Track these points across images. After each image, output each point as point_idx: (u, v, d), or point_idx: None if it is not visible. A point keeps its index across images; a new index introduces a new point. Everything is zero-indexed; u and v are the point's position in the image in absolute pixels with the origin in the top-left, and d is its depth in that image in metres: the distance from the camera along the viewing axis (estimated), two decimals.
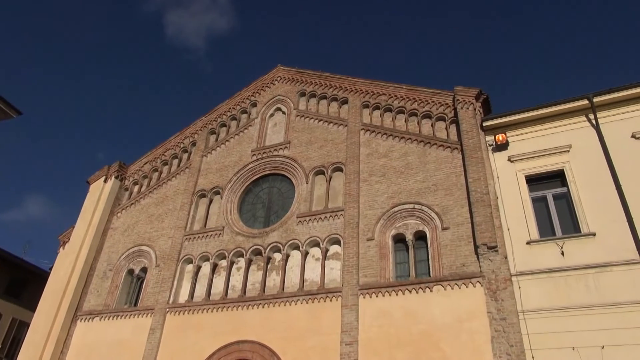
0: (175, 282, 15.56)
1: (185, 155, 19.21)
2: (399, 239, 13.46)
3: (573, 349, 9.93)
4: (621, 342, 9.60)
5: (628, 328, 9.67)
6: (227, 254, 15.34)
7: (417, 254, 13.04)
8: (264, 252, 14.75)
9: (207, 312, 14.40)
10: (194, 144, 19.19)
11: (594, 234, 10.97)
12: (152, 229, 17.52)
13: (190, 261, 15.94)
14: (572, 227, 11.50)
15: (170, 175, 18.76)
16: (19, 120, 15.43)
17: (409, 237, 13.16)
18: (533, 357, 10.18)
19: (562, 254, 11.04)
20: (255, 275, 14.66)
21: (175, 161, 19.27)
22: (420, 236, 13.17)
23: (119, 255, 17.36)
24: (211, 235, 16.05)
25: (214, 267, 15.43)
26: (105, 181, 19.19)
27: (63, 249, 18.25)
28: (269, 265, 14.65)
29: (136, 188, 19.33)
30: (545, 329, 10.33)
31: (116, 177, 19.28)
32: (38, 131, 68.30)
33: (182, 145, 19.42)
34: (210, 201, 17.18)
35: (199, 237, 16.26)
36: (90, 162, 72.67)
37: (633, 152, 11.61)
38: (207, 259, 15.62)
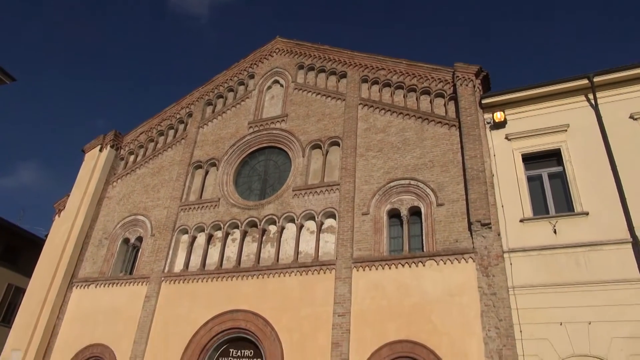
0: (171, 252, 15.67)
1: (181, 126, 19.08)
2: (394, 214, 13.56)
3: (560, 324, 10.16)
4: (607, 319, 9.83)
5: (615, 305, 9.88)
6: (222, 225, 15.42)
7: (411, 229, 13.16)
8: (259, 224, 14.83)
9: (202, 281, 14.56)
10: (190, 114, 19.05)
11: (587, 213, 11.09)
12: (147, 198, 17.53)
13: (185, 231, 16.02)
14: (565, 206, 11.61)
15: (166, 146, 18.68)
16: (13, 86, 15.21)
17: (404, 212, 13.26)
18: (521, 332, 10.42)
19: (555, 232, 11.17)
20: (250, 247, 14.79)
21: (171, 132, 19.15)
22: (415, 212, 13.27)
23: (115, 224, 17.42)
24: (207, 207, 16.10)
25: (209, 238, 15.53)
26: (100, 150, 19.10)
27: (58, 216, 18.27)
28: (264, 237, 14.76)
29: (132, 158, 19.27)
30: (534, 304, 10.55)
31: (112, 147, 19.18)
32: (32, 98, 67.39)
33: (178, 116, 19.28)
34: (206, 173, 17.17)
35: (194, 208, 16.31)
36: (85, 130, 71.96)
37: (630, 132, 11.63)
38: (203, 230, 15.71)
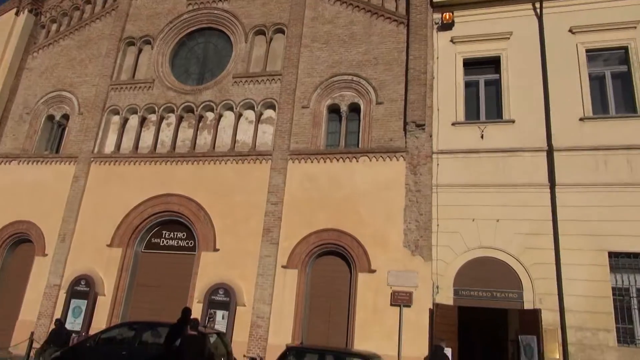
0: (101, 132, 15.00)
1: None
2: (334, 109, 13.58)
3: (473, 221, 11.17)
4: (512, 217, 10.91)
5: (521, 206, 10.92)
6: (156, 109, 14.79)
7: (349, 126, 13.34)
8: (196, 110, 14.37)
9: (134, 164, 14.25)
10: None
11: (514, 121, 11.69)
12: (73, 74, 16.22)
13: (116, 112, 15.24)
14: (495, 113, 12.12)
15: (93, 17, 16.92)
16: None
17: (344, 108, 13.30)
18: (438, 225, 11.38)
19: (482, 137, 11.77)
20: (186, 133, 14.44)
21: (100, 0, 17.25)
22: (354, 108, 13.34)
23: (37, 99, 16.17)
24: (140, 87, 15.22)
25: (143, 121, 14.92)
26: (17, 14, 17.02)
27: None
28: (200, 124, 14.41)
29: (54, 27, 17.39)
30: (452, 202, 11.42)
31: (30, 11, 17.10)
32: None
33: None
34: (140, 51, 15.96)
35: (126, 88, 15.37)
36: None
37: (567, 46, 11.92)
38: (135, 112, 15.01)
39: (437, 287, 11.00)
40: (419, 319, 10.88)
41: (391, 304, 11.15)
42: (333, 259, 12.23)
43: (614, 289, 10.14)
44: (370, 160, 12.39)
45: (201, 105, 14.38)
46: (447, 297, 10.90)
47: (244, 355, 10.95)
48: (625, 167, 10.64)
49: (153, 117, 14.87)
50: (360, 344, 10.87)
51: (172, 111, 14.69)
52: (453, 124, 12.09)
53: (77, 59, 16.43)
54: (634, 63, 11.30)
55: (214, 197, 13.19)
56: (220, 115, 14.26)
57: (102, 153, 14.75)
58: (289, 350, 9.44)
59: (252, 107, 14.01)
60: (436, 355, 9.91)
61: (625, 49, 11.50)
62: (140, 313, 12.74)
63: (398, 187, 11.94)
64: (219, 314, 11.96)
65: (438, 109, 12.31)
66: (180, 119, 14.57)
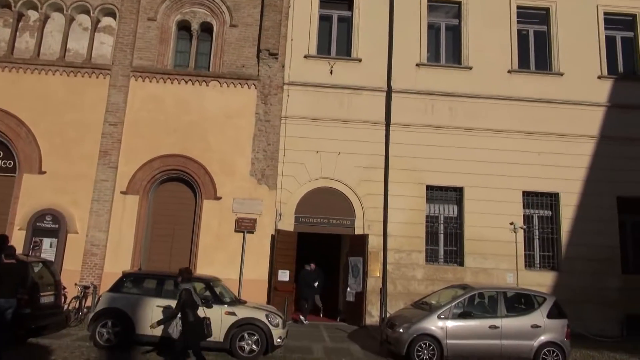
0: None
1: None
2: (184, 27, 12.61)
3: (317, 153, 11.77)
4: (352, 152, 11.78)
5: (360, 141, 11.81)
6: None
7: (200, 46, 12.57)
8: (14, 6, 12.04)
9: None
10: None
11: (360, 60, 12.25)
12: None
13: None
14: (345, 50, 12.51)
15: None
16: None
17: (195, 26, 12.42)
18: (284, 156, 11.76)
19: (331, 72, 12.16)
20: (1, 33, 12.10)
21: None
22: (207, 28, 12.55)
23: None
24: None
25: None
26: None
27: None
28: (20, 24, 12.18)
29: None
30: (300, 133, 11.82)
31: None
32: None
33: None
34: None
35: None
36: None
37: None
38: None
39: (280, 214, 11.57)
40: (261, 244, 11.43)
41: (235, 230, 11.45)
42: (178, 186, 11.93)
43: (427, 217, 11.85)
44: (221, 86, 11.99)
45: (21, 1, 12.07)
46: (288, 224, 11.56)
47: (76, 284, 10.35)
48: (447, 112, 12.10)
49: None
50: (202, 269, 11.07)
51: None
52: (305, 57, 12.21)
53: None
54: (464, 17, 12.52)
55: (39, 113, 11.56)
56: (47, 17, 12.20)
57: None
58: (126, 276, 9.16)
59: (87, 12, 12.23)
60: (305, 276, 11.42)
61: (459, 4, 12.63)
62: None
63: (248, 116, 11.88)
64: (47, 241, 10.98)
65: (292, 40, 12.25)
66: None
